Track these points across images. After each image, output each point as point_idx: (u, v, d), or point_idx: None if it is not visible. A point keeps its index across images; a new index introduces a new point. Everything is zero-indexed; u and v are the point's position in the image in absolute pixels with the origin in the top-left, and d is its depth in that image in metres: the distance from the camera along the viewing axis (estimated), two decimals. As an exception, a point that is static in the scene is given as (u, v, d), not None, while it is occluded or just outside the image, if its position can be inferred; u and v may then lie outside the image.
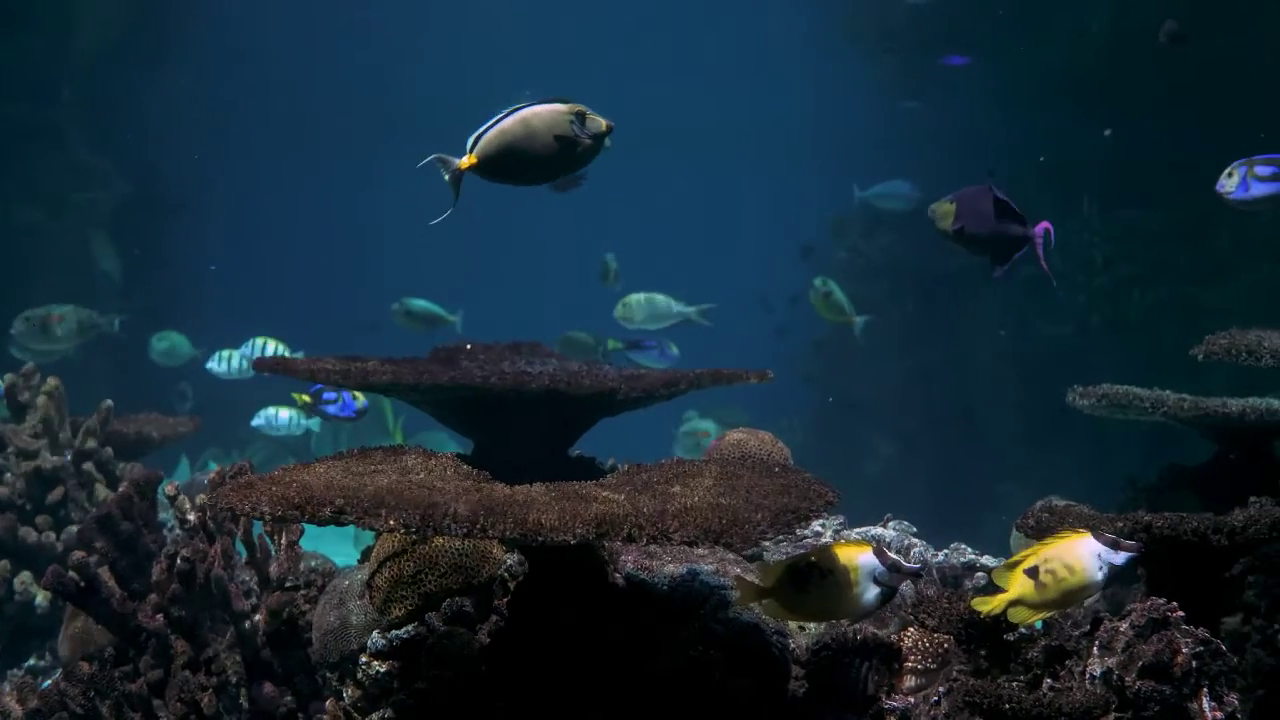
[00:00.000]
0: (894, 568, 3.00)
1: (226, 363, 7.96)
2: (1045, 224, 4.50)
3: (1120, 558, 2.92)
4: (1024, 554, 3.00)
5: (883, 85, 13.32)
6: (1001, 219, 4.50)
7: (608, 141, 3.51)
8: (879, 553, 3.01)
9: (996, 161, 8.81)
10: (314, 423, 7.93)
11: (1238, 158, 4.66)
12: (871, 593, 3.01)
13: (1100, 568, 2.92)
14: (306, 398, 6.31)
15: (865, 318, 8.99)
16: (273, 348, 7.87)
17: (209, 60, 17.96)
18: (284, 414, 7.75)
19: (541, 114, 3.41)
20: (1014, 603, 2.98)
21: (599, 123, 3.46)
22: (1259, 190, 4.56)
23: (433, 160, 3.37)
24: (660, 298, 8.03)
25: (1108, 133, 8.07)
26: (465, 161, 3.32)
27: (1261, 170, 4.57)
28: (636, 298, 8.05)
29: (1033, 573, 2.96)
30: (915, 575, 3.06)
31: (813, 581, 3.01)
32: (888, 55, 11.64)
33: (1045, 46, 11.01)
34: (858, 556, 3.02)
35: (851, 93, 14.73)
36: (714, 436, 8.15)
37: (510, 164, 3.39)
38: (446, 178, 3.35)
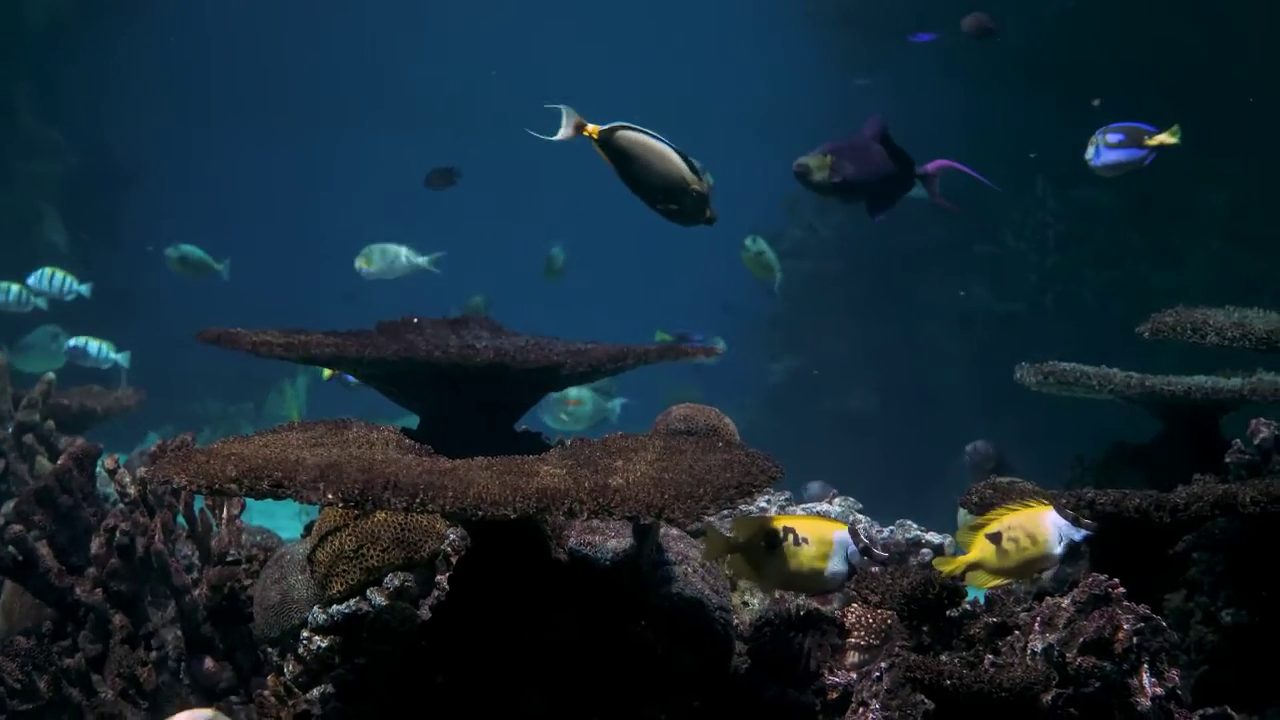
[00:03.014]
0: (866, 552, 3.03)
1: (4, 294, 7.80)
2: (941, 161, 4.53)
3: (1078, 534, 2.95)
4: (987, 517, 3.02)
5: (836, 63, 13.30)
6: (884, 164, 4.53)
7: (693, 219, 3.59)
8: (854, 534, 3.03)
9: (955, 139, 8.81)
10: (124, 357, 7.83)
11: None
12: (839, 571, 3.03)
13: (1060, 541, 2.94)
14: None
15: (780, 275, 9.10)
16: (60, 279, 7.78)
17: (162, 32, 17.79)
18: (94, 345, 7.66)
19: (673, 164, 3.51)
20: (973, 566, 3.00)
21: (704, 211, 3.57)
22: (1107, 157, 4.74)
23: (564, 109, 3.45)
24: (392, 248, 8.18)
25: (1096, 102, 8.10)
26: (593, 129, 3.43)
27: (1111, 138, 4.73)
28: (374, 248, 8.20)
29: (995, 538, 2.97)
30: (882, 563, 3.09)
31: (786, 546, 3.02)
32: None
33: (1001, 24, 11.00)
34: (834, 532, 3.06)
35: (804, 71, 14.71)
36: (588, 404, 8.16)
37: (618, 162, 3.49)
38: (563, 121, 3.43)
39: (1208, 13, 9.67)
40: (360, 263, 8.14)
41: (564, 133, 3.45)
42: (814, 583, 3.08)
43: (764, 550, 3.05)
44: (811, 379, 11.91)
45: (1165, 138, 4.70)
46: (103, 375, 7.81)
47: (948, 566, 3.05)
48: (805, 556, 3.02)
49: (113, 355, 7.75)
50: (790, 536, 3.04)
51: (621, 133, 3.47)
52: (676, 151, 3.48)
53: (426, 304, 4.80)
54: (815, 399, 11.84)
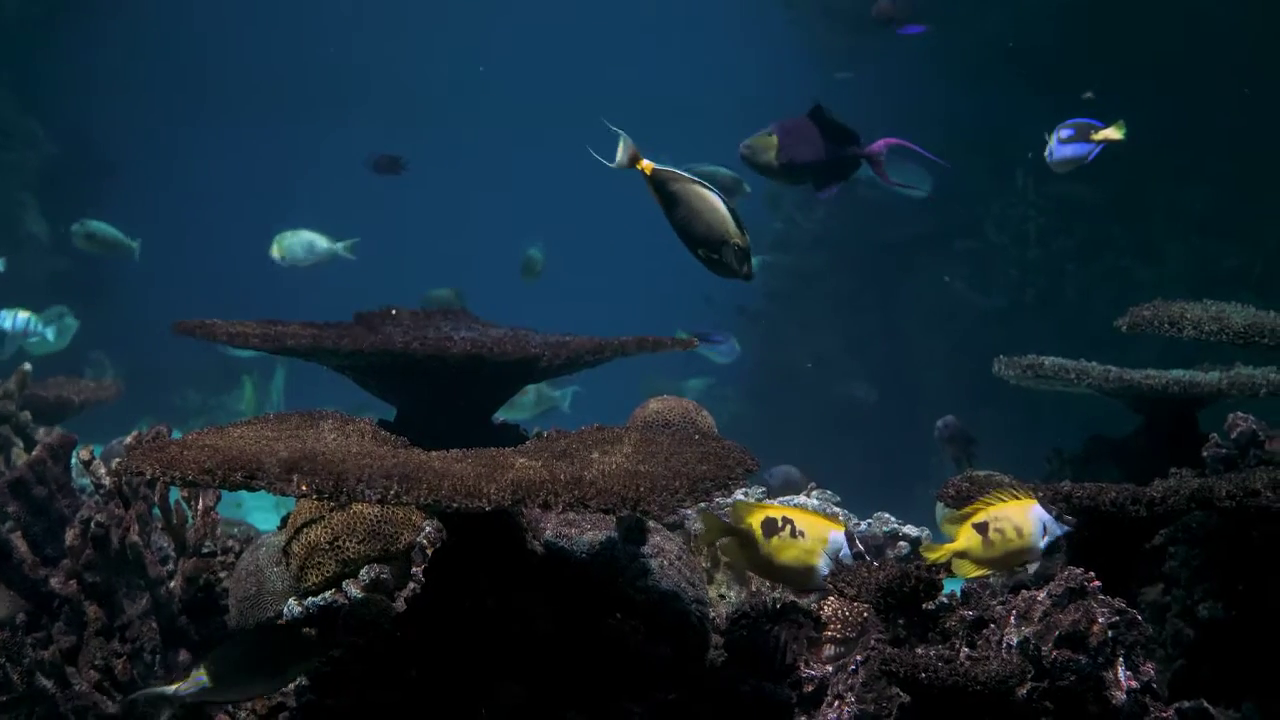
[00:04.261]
0: (859, 556, 3.05)
1: None
2: (888, 139, 4.53)
3: (1062, 529, 2.98)
4: (974, 507, 3.04)
5: (816, 57, 13.27)
6: (831, 143, 4.54)
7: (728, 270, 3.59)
8: (850, 537, 3.05)
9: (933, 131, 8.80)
10: (50, 331, 7.75)
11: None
12: (827, 570, 3.04)
13: (1044, 536, 2.97)
14: None
15: (761, 258, 9.10)
16: None
17: (140, 22, 17.71)
18: (21, 315, 7.58)
19: (720, 216, 3.47)
20: (959, 555, 3.02)
21: (744, 266, 3.54)
22: (1060, 153, 4.78)
23: (622, 136, 3.43)
24: (305, 234, 8.10)
25: (1088, 95, 8.12)
26: (648, 166, 3.41)
27: (1063, 133, 4.78)
28: (285, 236, 8.12)
29: (982, 528, 3.00)
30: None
31: (782, 536, 3.03)
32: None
33: (986, 17, 11.00)
34: (830, 531, 3.08)
35: (783, 65, 14.68)
36: (530, 393, 8.17)
37: (667, 203, 3.48)
38: (620, 148, 3.39)
39: (1193, 8, 9.67)
40: (274, 251, 8.03)
41: (619, 160, 3.45)
42: (803, 578, 3.09)
43: (760, 538, 3.06)
44: (789, 372, 11.90)
45: (1111, 133, 4.73)
46: (68, 362, 7.72)
47: (934, 554, 3.07)
48: (799, 550, 3.04)
49: (40, 329, 7.63)
50: (788, 528, 3.05)
51: (675, 178, 3.47)
52: (725, 203, 3.48)
53: (406, 300, 4.78)
54: (796, 392, 11.83)
